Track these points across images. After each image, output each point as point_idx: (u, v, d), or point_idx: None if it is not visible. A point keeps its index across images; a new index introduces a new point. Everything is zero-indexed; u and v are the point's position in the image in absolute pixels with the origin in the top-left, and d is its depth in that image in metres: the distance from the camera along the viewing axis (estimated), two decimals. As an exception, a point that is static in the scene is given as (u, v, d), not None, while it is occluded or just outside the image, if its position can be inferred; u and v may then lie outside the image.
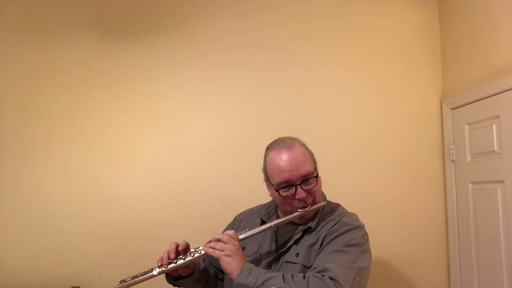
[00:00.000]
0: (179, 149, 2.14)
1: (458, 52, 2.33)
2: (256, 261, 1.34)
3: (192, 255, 1.25)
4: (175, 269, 1.27)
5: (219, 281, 1.50)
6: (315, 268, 1.18)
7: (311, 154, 1.37)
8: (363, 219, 1.39)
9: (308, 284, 1.10)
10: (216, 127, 2.19)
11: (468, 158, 2.23)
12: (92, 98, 2.10)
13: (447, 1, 2.45)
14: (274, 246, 1.36)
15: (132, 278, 1.25)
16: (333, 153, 2.27)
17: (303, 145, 1.36)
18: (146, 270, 1.26)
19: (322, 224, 1.33)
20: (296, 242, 1.31)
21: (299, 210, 1.29)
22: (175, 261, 1.25)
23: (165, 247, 1.34)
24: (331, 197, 1.49)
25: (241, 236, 1.27)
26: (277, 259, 1.31)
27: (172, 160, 2.13)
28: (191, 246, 1.33)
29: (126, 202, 2.06)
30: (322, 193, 1.42)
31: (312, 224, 1.32)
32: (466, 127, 2.25)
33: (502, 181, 1.98)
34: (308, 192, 1.29)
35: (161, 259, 1.26)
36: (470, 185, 2.21)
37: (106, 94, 2.11)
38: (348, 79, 2.36)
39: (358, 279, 1.16)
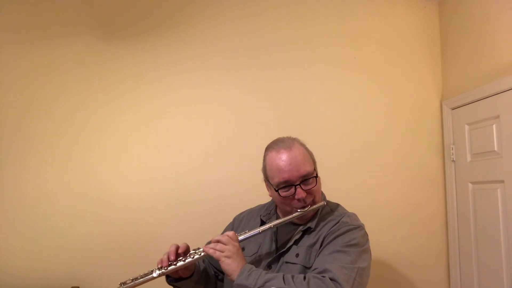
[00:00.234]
0: (179, 149, 2.14)
1: (458, 52, 2.33)
2: (256, 262, 1.34)
3: (192, 256, 1.25)
4: (175, 270, 1.27)
5: (219, 281, 1.50)
6: (315, 268, 1.18)
7: (310, 154, 1.36)
8: (363, 219, 1.39)
9: (309, 285, 1.10)
10: (216, 127, 2.19)
11: (468, 158, 2.23)
12: (92, 98, 2.10)
13: (447, 1, 2.45)
14: (274, 247, 1.36)
15: (132, 280, 1.25)
16: (332, 153, 2.27)
17: (303, 145, 1.36)
18: (146, 272, 1.26)
19: (322, 224, 1.33)
20: (296, 242, 1.31)
21: (299, 210, 1.29)
22: (175, 262, 1.25)
23: (165, 247, 1.34)
24: (331, 197, 1.49)
25: (240, 237, 1.27)
26: (277, 259, 1.31)
27: (172, 160, 2.13)
28: (191, 246, 1.33)
29: (126, 202, 2.06)
30: (322, 193, 1.41)
31: (311, 224, 1.32)
32: (466, 127, 2.25)
33: (502, 181, 1.98)
34: (308, 192, 1.29)
35: (161, 261, 1.26)
36: (470, 185, 2.21)
37: (106, 94, 2.11)
38: (348, 79, 2.36)
39: (358, 280, 1.16)
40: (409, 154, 2.38)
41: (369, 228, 1.37)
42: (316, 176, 1.32)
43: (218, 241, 1.23)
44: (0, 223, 1.96)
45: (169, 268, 1.24)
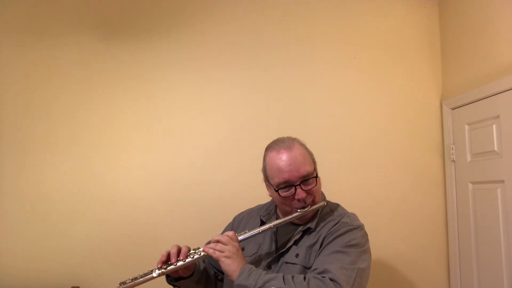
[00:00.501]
0: (179, 149, 2.14)
1: (458, 52, 2.33)
2: (256, 262, 1.34)
3: (192, 256, 1.25)
4: (175, 270, 1.26)
5: (219, 281, 1.50)
6: (315, 269, 1.18)
7: (310, 154, 1.36)
8: (363, 219, 1.39)
9: (309, 285, 1.10)
10: (216, 127, 2.20)
11: (468, 158, 2.23)
12: (92, 98, 2.10)
13: (447, 1, 2.45)
14: (273, 247, 1.36)
15: (132, 280, 1.24)
16: (333, 153, 2.27)
17: (303, 145, 1.36)
18: (145, 272, 1.25)
19: (321, 224, 1.33)
20: (296, 242, 1.31)
21: (299, 210, 1.29)
22: (174, 262, 1.25)
23: (165, 247, 1.34)
24: (331, 197, 1.48)
25: (240, 237, 1.27)
26: (276, 259, 1.31)
27: (172, 160, 2.13)
28: (191, 246, 1.33)
29: (126, 202, 2.06)
30: (322, 193, 1.41)
31: (311, 224, 1.32)
32: (466, 127, 2.25)
33: (502, 181, 1.98)
34: (308, 192, 1.28)
35: (161, 261, 1.26)
36: (470, 185, 2.21)
37: (106, 94, 2.11)
38: (348, 79, 2.36)
39: (358, 280, 1.16)
40: (409, 154, 2.38)
41: (369, 228, 1.37)
42: (316, 177, 1.32)
43: (218, 241, 1.23)
44: (0, 223, 1.95)
45: (169, 268, 1.24)
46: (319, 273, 1.15)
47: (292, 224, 1.36)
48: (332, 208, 1.41)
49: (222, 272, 1.39)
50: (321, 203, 1.34)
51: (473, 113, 2.19)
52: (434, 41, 2.50)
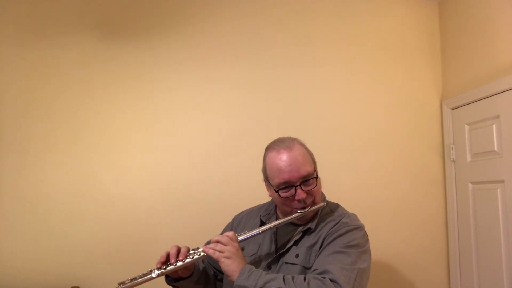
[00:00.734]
0: (179, 149, 2.14)
1: (458, 52, 2.33)
2: (256, 262, 1.34)
3: (191, 256, 1.25)
4: (175, 270, 1.26)
5: (218, 281, 1.50)
6: (316, 269, 1.18)
7: (310, 155, 1.36)
8: (363, 219, 1.39)
9: (309, 286, 1.10)
10: (216, 127, 2.20)
11: (468, 158, 2.23)
12: (92, 98, 2.10)
13: (447, 1, 2.45)
14: (273, 247, 1.35)
15: (131, 280, 1.24)
16: (333, 153, 2.27)
17: (303, 145, 1.36)
18: (145, 272, 1.25)
19: (322, 225, 1.32)
20: (296, 243, 1.30)
21: (299, 211, 1.29)
22: (174, 263, 1.24)
23: (164, 246, 1.34)
24: (331, 197, 1.48)
25: (240, 238, 1.26)
26: (276, 260, 1.31)
27: (172, 160, 2.13)
28: (190, 246, 1.33)
29: (126, 202, 2.06)
30: (322, 193, 1.41)
31: (311, 225, 1.32)
32: (466, 127, 2.25)
33: (502, 181, 1.98)
34: (308, 192, 1.28)
35: (160, 261, 1.25)
36: (470, 185, 2.21)
37: (106, 94, 2.11)
38: (348, 79, 2.36)
39: (358, 281, 1.16)
40: (409, 154, 2.38)
41: (369, 228, 1.37)
42: (317, 177, 1.32)
43: (217, 242, 1.22)
44: (0, 223, 1.95)
45: (168, 268, 1.24)
46: (320, 273, 1.15)
47: (292, 224, 1.36)
48: (332, 209, 1.41)
49: (222, 272, 1.39)
50: (321, 204, 1.34)
51: (473, 113, 2.19)
52: (434, 41, 2.50)
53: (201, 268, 1.43)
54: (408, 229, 2.32)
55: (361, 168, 2.31)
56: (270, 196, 1.43)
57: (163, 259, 1.26)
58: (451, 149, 2.35)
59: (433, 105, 2.45)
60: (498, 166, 2.01)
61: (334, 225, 1.30)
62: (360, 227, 1.31)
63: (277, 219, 1.40)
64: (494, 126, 2.04)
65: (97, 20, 2.15)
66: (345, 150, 2.30)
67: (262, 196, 1.52)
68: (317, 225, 1.32)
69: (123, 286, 1.24)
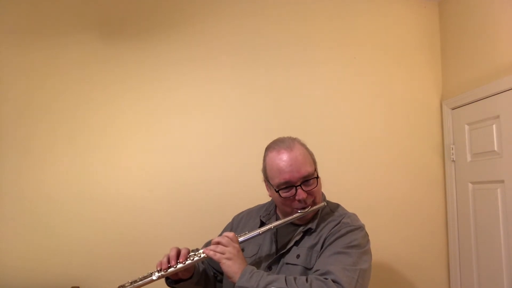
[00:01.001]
0: (179, 149, 2.14)
1: (458, 52, 2.33)
2: (256, 263, 1.34)
3: (191, 258, 1.24)
4: (175, 272, 1.26)
5: (218, 282, 1.49)
6: (317, 270, 1.18)
7: (311, 154, 1.36)
8: (363, 219, 1.39)
9: (311, 287, 1.10)
10: (216, 127, 2.19)
11: (468, 158, 2.23)
12: (92, 98, 2.10)
13: (447, 1, 2.45)
14: (274, 248, 1.35)
15: (131, 283, 1.24)
16: (333, 153, 2.27)
17: (303, 145, 1.35)
18: (145, 275, 1.25)
19: (322, 225, 1.32)
20: (297, 243, 1.30)
21: (299, 211, 1.29)
22: (174, 265, 1.24)
23: (164, 247, 1.34)
24: (331, 197, 1.48)
25: (241, 239, 1.26)
26: (277, 260, 1.31)
27: (172, 160, 2.13)
28: (190, 247, 1.33)
29: (126, 202, 2.06)
30: (322, 193, 1.41)
31: (312, 225, 1.32)
32: (466, 127, 2.25)
33: (502, 181, 1.98)
34: (308, 193, 1.28)
35: (160, 263, 1.25)
36: (470, 185, 2.21)
37: (106, 94, 2.11)
38: (348, 79, 2.36)
39: (360, 281, 1.16)
40: (409, 154, 2.38)
41: (369, 228, 1.37)
42: (317, 177, 1.31)
43: (218, 243, 1.22)
44: (0, 223, 1.95)
45: (168, 270, 1.23)
46: (321, 274, 1.14)
47: (293, 224, 1.35)
48: (333, 209, 1.41)
49: (221, 273, 1.40)
50: (322, 204, 1.34)
51: (473, 113, 2.19)
52: (434, 41, 2.50)
53: (201, 269, 1.43)
54: (408, 229, 2.32)
55: (361, 168, 2.31)
56: (270, 196, 1.42)
57: (165, 264, 1.24)
58: (451, 149, 2.35)
59: (433, 105, 2.45)
60: (498, 166, 2.01)
61: (335, 226, 1.30)
62: (361, 227, 1.31)
63: (277, 219, 1.40)
64: (494, 126, 2.04)
65: (97, 20, 2.15)
66: (345, 150, 2.30)
67: (262, 196, 1.52)
68: (317, 225, 1.32)
69: None
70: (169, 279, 1.34)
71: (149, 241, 2.04)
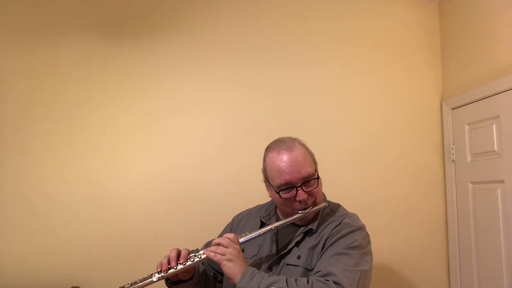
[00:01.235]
0: (179, 149, 2.14)
1: (458, 52, 2.33)
2: (257, 264, 1.33)
3: (192, 259, 1.24)
4: (175, 274, 1.25)
5: (218, 283, 1.49)
6: (318, 271, 1.17)
7: (311, 155, 1.35)
8: (363, 219, 1.39)
9: None
10: (216, 127, 2.19)
11: (468, 158, 2.23)
12: (92, 98, 2.10)
13: (447, 1, 2.45)
14: (274, 248, 1.35)
15: (131, 284, 1.23)
16: (333, 153, 2.27)
17: (303, 145, 1.35)
18: (145, 276, 1.24)
19: (323, 225, 1.32)
20: (297, 244, 1.30)
21: (300, 211, 1.28)
22: (174, 266, 1.23)
23: (164, 247, 1.34)
24: (331, 197, 1.48)
25: (241, 239, 1.26)
26: (277, 261, 1.30)
27: (172, 161, 2.12)
28: (190, 247, 1.33)
29: (126, 202, 2.06)
30: (323, 194, 1.40)
31: (313, 226, 1.31)
32: (466, 127, 2.25)
33: (502, 181, 1.98)
34: (309, 193, 1.27)
35: (161, 265, 1.25)
36: (470, 185, 2.21)
37: (106, 95, 2.11)
38: (348, 79, 2.36)
39: (361, 282, 1.16)
40: (409, 154, 2.38)
41: (369, 228, 1.37)
42: (318, 178, 1.31)
43: (218, 244, 1.21)
44: (0, 223, 1.95)
45: (168, 271, 1.23)
46: (322, 275, 1.14)
47: (293, 225, 1.35)
48: (333, 209, 1.40)
49: (222, 274, 1.39)
50: (322, 204, 1.33)
51: (473, 113, 2.19)
52: (434, 41, 2.50)
53: (201, 270, 1.43)
54: (408, 229, 2.32)
55: (361, 168, 2.31)
56: (271, 196, 1.42)
57: (164, 261, 1.24)
58: (451, 149, 2.35)
59: (433, 105, 2.45)
60: (498, 166, 2.01)
61: (336, 226, 1.29)
62: (362, 228, 1.31)
63: (277, 219, 1.39)
64: (494, 126, 2.04)
65: (97, 20, 2.15)
66: (345, 150, 2.30)
67: (262, 196, 1.52)
68: (318, 226, 1.32)
69: None
70: (169, 280, 1.34)
71: (149, 241, 2.04)
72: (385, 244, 2.25)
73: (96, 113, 2.09)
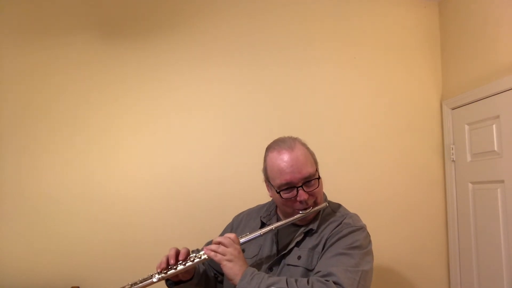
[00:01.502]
0: (180, 149, 2.14)
1: (458, 52, 2.33)
2: (257, 264, 1.33)
3: (192, 260, 1.24)
4: (175, 274, 1.25)
5: (219, 283, 1.49)
6: (318, 271, 1.17)
7: (312, 155, 1.35)
8: (363, 219, 1.39)
9: None
10: (216, 127, 2.19)
11: (468, 158, 2.23)
12: (92, 99, 2.10)
13: (447, 1, 2.45)
14: (275, 249, 1.34)
15: (131, 285, 1.23)
16: (333, 153, 2.27)
17: (304, 145, 1.34)
18: (145, 277, 1.24)
19: (324, 225, 1.32)
20: (298, 244, 1.30)
21: (301, 211, 1.28)
22: (174, 266, 1.23)
23: (164, 247, 1.34)
24: (331, 197, 1.48)
25: (242, 240, 1.25)
26: (278, 261, 1.30)
27: (172, 161, 2.12)
28: (191, 247, 1.32)
29: (126, 202, 2.06)
30: (323, 194, 1.40)
31: (313, 226, 1.31)
32: (466, 127, 2.25)
33: (502, 181, 1.98)
34: (310, 193, 1.27)
35: (160, 265, 1.24)
36: (470, 185, 2.21)
37: (106, 95, 2.11)
38: (348, 79, 2.36)
39: (362, 283, 1.15)
40: (409, 154, 2.38)
41: (369, 228, 1.37)
42: (319, 178, 1.30)
43: (219, 243, 1.21)
44: (0, 223, 1.95)
45: (169, 272, 1.22)
46: (323, 276, 1.14)
47: (294, 225, 1.35)
48: (334, 209, 1.40)
49: (222, 274, 1.39)
50: (323, 204, 1.33)
51: (473, 113, 2.19)
52: (434, 41, 2.50)
53: (201, 270, 1.42)
54: (408, 229, 2.32)
55: (361, 168, 2.31)
56: (271, 196, 1.42)
57: (164, 264, 1.24)
58: (451, 149, 2.35)
59: (433, 105, 2.45)
60: (498, 166, 2.01)
61: (337, 226, 1.29)
62: (362, 228, 1.30)
63: (277, 219, 1.39)
64: (494, 126, 2.04)
65: (97, 20, 2.15)
66: (345, 150, 2.30)
67: (262, 196, 1.51)
68: (319, 226, 1.31)
69: None
70: (169, 280, 1.33)
71: (149, 241, 2.04)
72: (385, 244, 2.25)
73: (96, 113, 2.09)
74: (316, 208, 1.30)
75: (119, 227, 2.04)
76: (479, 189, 2.15)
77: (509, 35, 1.97)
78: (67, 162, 2.04)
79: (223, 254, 1.18)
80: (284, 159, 1.27)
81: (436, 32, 2.51)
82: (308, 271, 1.23)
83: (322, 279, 1.12)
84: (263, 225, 1.40)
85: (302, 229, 1.32)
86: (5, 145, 1.99)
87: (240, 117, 2.22)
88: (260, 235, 1.27)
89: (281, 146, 1.30)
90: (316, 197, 1.30)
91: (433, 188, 2.39)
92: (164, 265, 1.23)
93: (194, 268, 1.35)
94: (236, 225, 1.53)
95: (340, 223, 1.30)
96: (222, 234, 1.49)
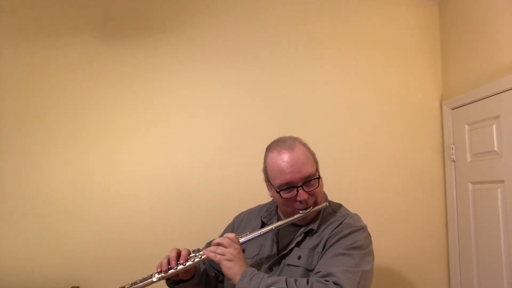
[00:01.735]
0: (180, 149, 2.14)
1: (458, 52, 2.33)
2: (257, 264, 1.33)
3: (192, 260, 1.24)
4: (175, 274, 1.25)
5: (219, 283, 1.49)
6: (318, 272, 1.17)
7: (312, 154, 1.35)
8: (363, 219, 1.38)
9: None
10: (216, 127, 2.19)
11: (468, 158, 2.23)
12: (92, 99, 2.10)
13: (447, 1, 2.45)
14: (275, 249, 1.34)
15: (131, 284, 1.22)
16: (333, 153, 2.27)
17: (304, 145, 1.34)
18: (145, 276, 1.24)
19: (324, 225, 1.31)
20: (298, 244, 1.29)
21: (301, 211, 1.28)
22: (175, 266, 1.23)
23: (164, 247, 1.34)
24: (331, 197, 1.48)
25: (242, 239, 1.25)
26: (278, 262, 1.30)
27: (173, 161, 2.13)
28: (191, 247, 1.32)
29: (126, 202, 2.06)
30: (324, 193, 1.40)
31: (314, 226, 1.31)
32: (466, 127, 2.25)
33: (502, 181, 1.98)
34: (310, 193, 1.27)
35: (161, 265, 1.24)
36: (470, 185, 2.21)
37: (106, 94, 2.11)
38: (348, 79, 2.36)
39: (362, 283, 1.15)
40: (409, 154, 2.38)
41: (369, 228, 1.36)
42: (319, 177, 1.30)
43: (219, 244, 1.21)
44: (0, 223, 1.95)
45: (169, 272, 1.22)
46: (323, 276, 1.13)
47: (294, 225, 1.35)
48: (335, 209, 1.40)
49: (223, 274, 1.38)
50: (323, 204, 1.33)
51: (473, 113, 2.19)
52: (434, 41, 2.50)
53: (202, 269, 1.42)
54: (408, 229, 2.32)
55: (361, 168, 2.31)
56: (271, 196, 1.41)
57: (165, 266, 1.23)
58: (451, 149, 2.35)
59: (433, 105, 2.45)
60: (498, 166, 2.01)
61: (337, 226, 1.28)
62: (363, 228, 1.30)
63: (278, 219, 1.39)
64: (494, 126, 2.04)
65: (97, 20, 2.15)
66: (345, 150, 2.30)
67: (263, 196, 1.51)
68: (319, 226, 1.31)
69: None
70: (169, 280, 1.33)
71: (149, 241, 2.04)
72: (385, 244, 2.25)
73: (96, 113, 2.09)
74: (316, 208, 1.30)
75: (119, 227, 2.04)
76: (479, 189, 2.15)
77: (509, 35, 1.97)
78: (67, 162, 2.04)
79: (222, 254, 1.18)
80: (284, 159, 1.26)
81: (436, 32, 2.51)
82: (308, 271, 1.23)
83: (322, 280, 1.11)
84: (263, 225, 1.40)
85: (302, 229, 1.32)
86: (5, 145, 2.00)
87: (240, 117, 2.22)
88: (260, 235, 1.27)
89: (281, 146, 1.30)
90: (316, 197, 1.30)
91: (433, 188, 2.39)
92: (165, 267, 1.23)
93: (194, 267, 1.34)
94: (237, 225, 1.53)
95: (341, 223, 1.29)
96: (223, 234, 1.49)
